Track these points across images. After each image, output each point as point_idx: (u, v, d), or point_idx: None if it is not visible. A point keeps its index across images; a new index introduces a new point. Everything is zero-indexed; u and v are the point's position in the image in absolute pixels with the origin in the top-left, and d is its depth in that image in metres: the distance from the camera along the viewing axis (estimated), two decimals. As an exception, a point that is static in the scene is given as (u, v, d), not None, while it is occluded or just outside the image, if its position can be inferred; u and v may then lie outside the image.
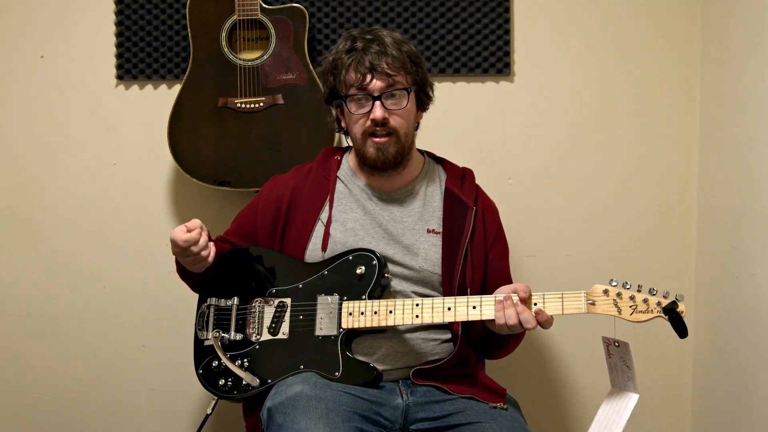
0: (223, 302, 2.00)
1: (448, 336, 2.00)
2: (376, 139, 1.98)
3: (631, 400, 1.80)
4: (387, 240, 2.00)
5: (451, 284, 1.96)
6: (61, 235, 2.63)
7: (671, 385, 2.59)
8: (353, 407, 1.79)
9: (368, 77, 1.93)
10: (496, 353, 2.05)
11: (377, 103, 1.94)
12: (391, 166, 2.00)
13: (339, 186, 2.07)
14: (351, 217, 2.03)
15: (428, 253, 2.00)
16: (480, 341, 2.00)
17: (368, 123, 1.96)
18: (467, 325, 1.99)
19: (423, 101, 2.06)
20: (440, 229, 2.02)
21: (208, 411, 2.02)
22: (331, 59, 2.00)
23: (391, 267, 1.98)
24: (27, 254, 2.64)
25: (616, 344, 1.80)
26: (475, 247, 2.01)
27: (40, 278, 2.64)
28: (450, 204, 2.04)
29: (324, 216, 2.03)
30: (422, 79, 2.02)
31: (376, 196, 2.05)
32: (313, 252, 2.01)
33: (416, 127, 2.07)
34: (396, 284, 1.98)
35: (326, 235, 2.00)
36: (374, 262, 1.94)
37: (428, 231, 2.02)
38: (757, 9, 2.17)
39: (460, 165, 2.15)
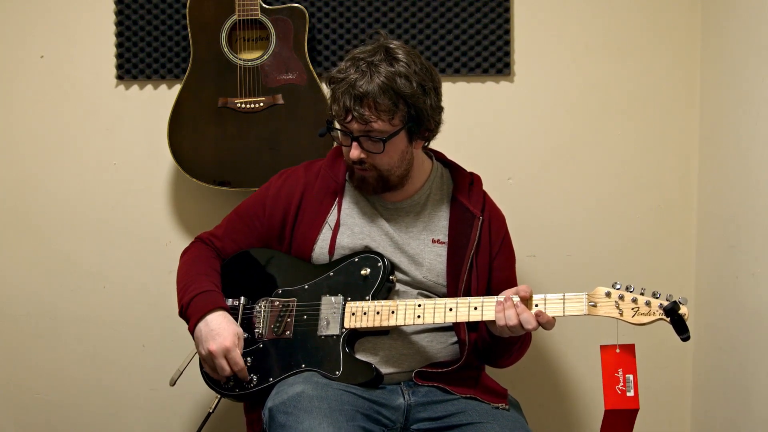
0: (230, 302, 2.01)
1: (454, 339, 2.00)
2: (358, 171, 1.96)
3: None
4: (393, 248, 2.00)
5: (456, 295, 1.95)
6: (61, 235, 2.63)
7: (671, 385, 2.59)
8: (356, 406, 1.80)
9: (347, 117, 1.88)
10: (501, 361, 2.04)
11: (354, 143, 1.90)
12: (379, 192, 1.99)
13: (347, 190, 2.05)
14: (358, 222, 2.02)
15: (433, 264, 1.99)
16: (485, 349, 1.99)
17: (350, 155, 1.94)
18: (474, 333, 1.99)
19: (422, 135, 1.95)
20: (446, 239, 2.01)
21: (210, 410, 2.03)
22: (329, 78, 1.93)
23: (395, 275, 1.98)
24: (27, 254, 2.64)
25: (618, 350, 1.79)
26: (480, 257, 1.99)
27: (40, 278, 2.64)
28: (456, 214, 2.02)
29: (331, 219, 2.02)
30: (419, 113, 1.89)
31: (382, 205, 2.04)
32: (320, 254, 2.01)
33: (411, 158, 1.96)
34: (401, 293, 1.98)
35: (333, 239, 2.00)
36: (379, 264, 1.94)
37: (434, 241, 2.01)
38: (757, 9, 2.17)
39: (461, 166, 2.13)
